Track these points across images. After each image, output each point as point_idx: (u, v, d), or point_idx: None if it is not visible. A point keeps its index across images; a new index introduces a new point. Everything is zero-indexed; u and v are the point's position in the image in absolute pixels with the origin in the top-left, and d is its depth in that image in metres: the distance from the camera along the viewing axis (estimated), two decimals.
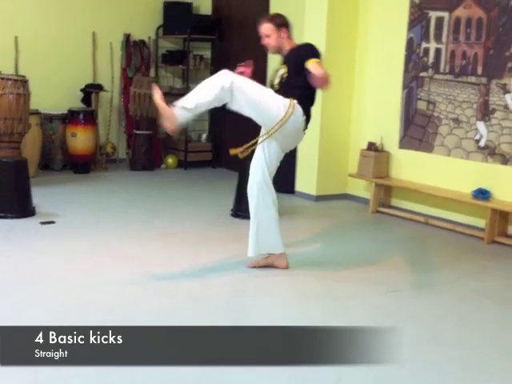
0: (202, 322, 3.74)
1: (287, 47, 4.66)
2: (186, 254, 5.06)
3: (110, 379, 3.05)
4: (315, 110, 6.91)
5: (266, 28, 4.63)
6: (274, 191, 4.75)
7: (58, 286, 4.25)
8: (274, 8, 7.90)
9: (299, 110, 4.46)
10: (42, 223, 5.68)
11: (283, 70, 4.60)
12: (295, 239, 5.58)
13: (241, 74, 4.58)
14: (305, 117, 4.53)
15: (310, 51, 4.51)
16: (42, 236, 5.36)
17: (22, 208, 5.88)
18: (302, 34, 7.08)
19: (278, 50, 4.70)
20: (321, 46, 6.85)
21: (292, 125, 4.43)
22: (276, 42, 4.64)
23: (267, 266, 4.72)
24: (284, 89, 4.54)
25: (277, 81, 4.66)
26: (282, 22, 4.65)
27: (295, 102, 4.43)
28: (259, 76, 8.12)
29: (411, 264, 5.05)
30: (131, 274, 4.50)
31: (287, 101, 4.41)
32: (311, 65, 4.29)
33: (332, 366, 3.09)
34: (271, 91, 4.56)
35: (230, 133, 8.84)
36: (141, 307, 3.95)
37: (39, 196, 6.31)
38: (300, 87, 4.49)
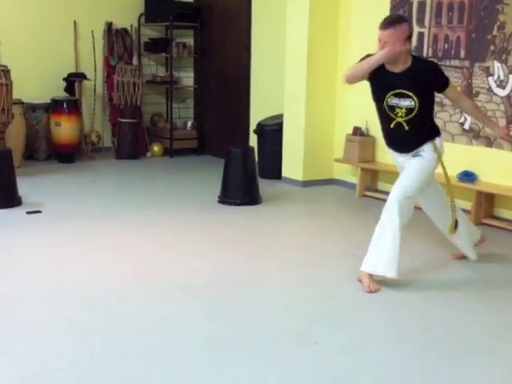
0: (190, 312, 3.76)
1: (403, 62, 4.05)
2: (174, 242, 5.06)
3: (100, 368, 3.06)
4: (300, 95, 7.01)
5: (389, 35, 3.92)
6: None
7: (44, 278, 4.23)
8: None
9: (441, 143, 4.26)
10: (29, 213, 5.67)
11: (411, 101, 4.02)
12: (285, 225, 5.59)
13: None
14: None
15: (442, 77, 4.15)
16: (29, 226, 5.34)
17: (8, 198, 5.86)
18: (285, 23, 7.09)
19: (391, 62, 4.03)
20: (303, 30, 6.95)
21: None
22: (398, 53, 3.98)
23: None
24: (416, 126, 4.10)
25: (401, 118, 4.09)
26: (407, 32, 4.00)
27: (436, 141, 4.20)
28: (242, 65, 8.17)
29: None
30: (117, 264, 4.50)
31: (431, 149, 4.17)
32: (465, 102, 4.38)
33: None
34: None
35: (215, 120, 8.83)
36: (125, 299, 3.91)
37: (25, 186, 6.28)
38: (431, 117, 4.26)
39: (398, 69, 4.04)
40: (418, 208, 4.40)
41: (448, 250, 4.84)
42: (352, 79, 4.17)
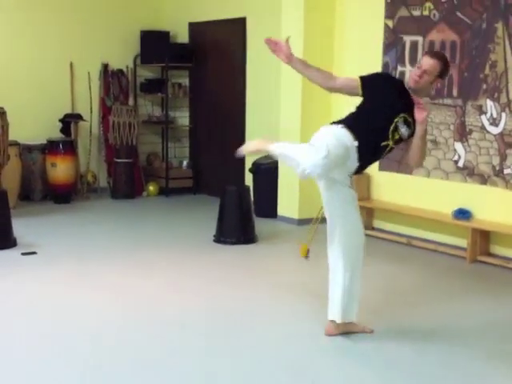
0: (188, 349, 3.73)
1: (422, 96, 4.08)
2: (170, 281, 5.04)
3: None
4: (294, 133, 7.05)
5: (431, 66, 3.86)
6: None
7: (39, 319, 4.21)
8: (250, 35, 8.00)
9: None
10: (24, 254, 5.64)
11: (409, 132, 3.93)
12: (280, 264, 5.57)
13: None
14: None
15: None
16: (24, 267, 5.31)
17: (3, 239, 5.83)
18: (279, 62, 7.15)
19: (417, 92, 3.95)
20: (297, 76, 6.98)
21: None
22: (426, 84, 3.94)
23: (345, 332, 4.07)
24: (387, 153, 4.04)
25: (396, 137, 3.93)
26: (446, 72, 3.98)
27: None
28: (237, 104, 8.22)
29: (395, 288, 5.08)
30: (113, 304, 4.48)
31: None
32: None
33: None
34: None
35: (210, 159, 8.87)
36: (123, 338, 3.90)
37: (20, 227, 6.26)
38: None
39: (417, 98, 3.93)
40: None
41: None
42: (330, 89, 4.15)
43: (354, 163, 3.84)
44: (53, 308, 4.40)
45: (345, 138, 3.80)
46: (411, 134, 3.92)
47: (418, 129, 3.89)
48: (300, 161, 3.68)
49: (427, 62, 3.86)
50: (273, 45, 4.14)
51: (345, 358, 3.70)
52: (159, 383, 3.29)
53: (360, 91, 4.01)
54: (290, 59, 4.09)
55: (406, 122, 3.91)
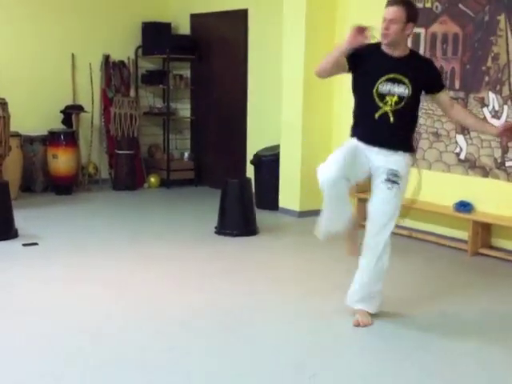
0: (189, 346, 3.73)
1: (403, 48, 3.92)
2: (171, 274, 5.05)
3: None
4: (296, 125, 7.05)
5: (394, 12, 3.79)
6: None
7: (40, 312, 4.20)
8: (252, 27, 7.98)
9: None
10: (25, 245, 5.65)
11: (405, 89, 3.86)
12: (282, 256, 5.58)
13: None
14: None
15: (440, 77, 4.08)
16: (25, 259, 5.32)
17: (5, 230, 5.84)
18: (281, 55, 7.16)
19: (392, 44, 3.87)
20: (299, 67, 7.02)
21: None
22: (398, 34, 3.81)
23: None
24: (402, 121, 3.91)
25: (389, 107, 3.87)
26: (414, 15, 3.86)
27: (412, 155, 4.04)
28: (238, 96, 8.22)
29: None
30: (113, 299, 4.48)
31: (408, 165, 3.98)
32: (456, 107, 4.15)
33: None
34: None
35: (212, 151, 8.86)
36: (123, 334, 3.89)
37: (21, 218, 6.26)
38: (415, 120, 4.08)
39: (396, 53, 3.88)
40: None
41: (445, 281, 4.83)
42: (323, 72, 4.00)
43: (364, 152, 3.90)
44: (52, 301, 4.39)
45: (349, 142, 3.97)
46: (412, 94, 3.85)
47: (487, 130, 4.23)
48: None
49: (388, 11, 3.82)
50: (357, 33, 3.83)
51: (345, 354, 3.69)
52: (158, 381, 3.28)
53: (347, 66, 3.95)
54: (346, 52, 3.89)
55: (395, 81, 3.84)
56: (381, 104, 3.86)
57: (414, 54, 4.06)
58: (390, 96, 3.86)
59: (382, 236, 3.97)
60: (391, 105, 3.86)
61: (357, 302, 4.08)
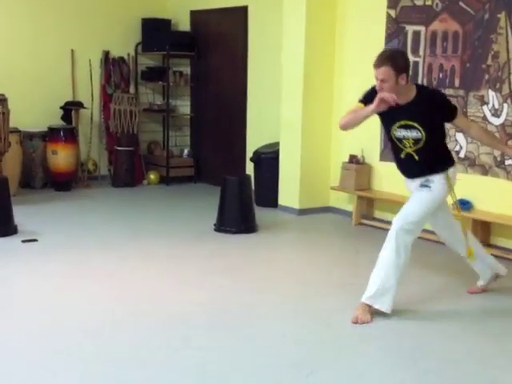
0: (186, 342, 3.73)
1: (406, 94, 4.01)
2: (170, 271, 5.05)
3: None
4: (296, 123, 7.05)
5: (383, 73, 3.90)
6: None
7: (38, 307, 4.21)
8: (251, 24, 7.98)
9: (455, 173, 4.28)
10: (24, 241, 5.65)
11: (417, 132, 4.01)
12: (281, 253, 5.58)
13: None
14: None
15: (450, 107, 4.15)
16: (24, 255, 5.32)
17: (4, 227, 5.84)
18: (281, 52, 7.15)
19: (396, 96, 3.96)
20: (299, 65, 7.02)
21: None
22: (392, 89, 3.91)
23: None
24: (427, 155, 4.09)
25: (410, 149, 4.08)
26: (403, 66, 3.95)
27: (450, 171, 4.18)
28: (238, 93, 8.21)
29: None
30: (112, 295, 4.48)
31: (443, 180, 4.14)
32: (474, 127, 4.37)
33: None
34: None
35: (211, 148, 8.86)
36: (121, 329, 3.89)
37: (21, 214, 6.26)
38: (443, 147, 4.24)
39: (401, 100, 3.98)
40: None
41: (454, 281, 4.83)
42: (346, 127, 4.22)
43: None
44: (52, 297, 4.40)
45: None
46: (427, 135, 4.00)
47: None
48: None
49: (378, 72, 3.93)
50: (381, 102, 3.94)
51: (344, 352, 3.69)
52: (155, 376, 3.28)
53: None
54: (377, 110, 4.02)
55: (407, 127, 4.01)
56: (401, 146, 4.13)
57: (419, 94, 4.05)
58: (406, 140, 4.08)
59: (394, 226, 4.08)
60: (410, 146, 4.09)
61: (369, 299, 4.09)
